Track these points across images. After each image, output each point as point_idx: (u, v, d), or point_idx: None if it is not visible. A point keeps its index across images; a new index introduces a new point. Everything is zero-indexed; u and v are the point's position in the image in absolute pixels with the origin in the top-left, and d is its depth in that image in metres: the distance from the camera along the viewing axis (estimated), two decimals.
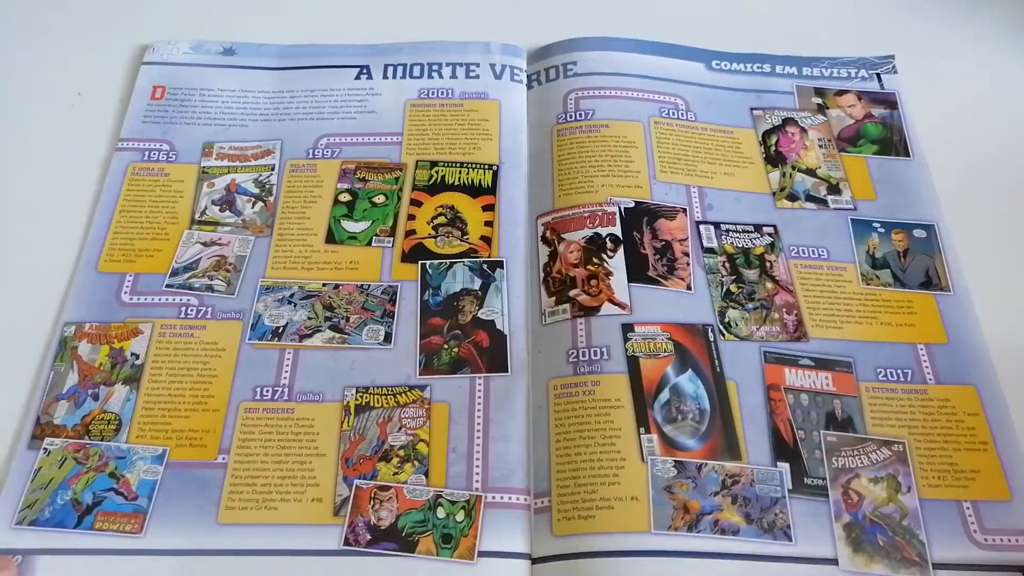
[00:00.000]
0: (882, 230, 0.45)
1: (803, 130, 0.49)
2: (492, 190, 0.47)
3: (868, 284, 0.43)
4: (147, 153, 0.48)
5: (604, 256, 0.43)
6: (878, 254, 0.44)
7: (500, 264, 0.44)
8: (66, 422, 0.39)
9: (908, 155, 0.48)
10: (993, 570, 0.35)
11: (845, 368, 0.40)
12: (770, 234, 0.45)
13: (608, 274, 0.43)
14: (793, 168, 0.48)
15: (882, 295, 0.43)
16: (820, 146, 0.49)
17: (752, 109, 0.50)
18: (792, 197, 0.47)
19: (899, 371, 0.40)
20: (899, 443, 0.38)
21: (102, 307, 0.42)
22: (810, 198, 0.46)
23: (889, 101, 0.50)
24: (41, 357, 0.41)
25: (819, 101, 0.51)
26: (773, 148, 0.48)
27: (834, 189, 0.47)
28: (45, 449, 0.38)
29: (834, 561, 0.35)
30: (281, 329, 0.42)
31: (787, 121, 0.50)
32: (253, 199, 0.46)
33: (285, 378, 0.40)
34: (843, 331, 0.42)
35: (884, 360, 0.41)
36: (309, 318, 0.42)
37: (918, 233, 0.45)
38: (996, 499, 0.37)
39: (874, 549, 0.35)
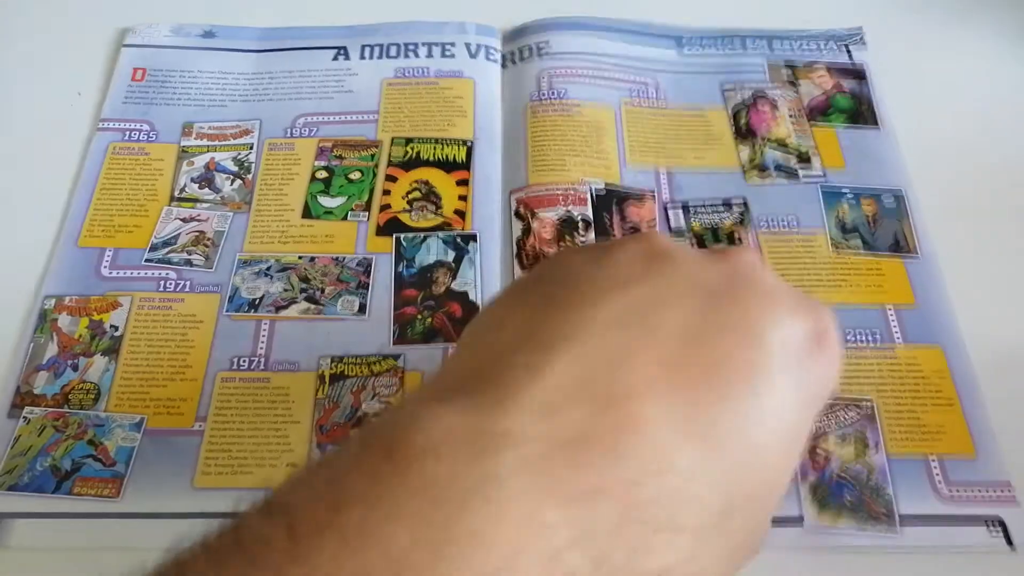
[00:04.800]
0: (852, 197, 0.46)
1: (773, 104, 0.50)
2: (466, 165, 0.47)
3: (838, 250, 0.44)
4: (128, 133, 0.48)
5: (576, 236, 0.44)
6: (848, 221, 0.45)
7: (473, 237, 0.45)
8: (46, 392, 0.39)
9: (877, 125, 0.49)
10: (957, 522, 0.35)
11: None
12: (740, 209, 0.45)
13: None
14: (764, 141, 0.48)
15: (852, 260, 0.43)
16: (791, 118, 0.49)
17: (723, 87, 0.51)
18: (762, 169, 0.47)
19: (868, 332, 0.41)
20: (867, 402, 0.39)
21: (82, 281, 0.43)
22: (780, 169, 0.47)
23: (858, 73, 0.51)
24: (21, 329, 0.41)
25: (789, 75, 0.51)
26: (744, 124, 0.49)
27: (804, 159, 0.47)
28: (25, 418, 0.39)
29: (799, 520, 0.36)
30: (258, 301, 0.42)
31: (757, 96, 0.50)
32: (232, 177, 0.47)
33: (262, 348, 0.41)
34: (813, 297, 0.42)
35: (854, 322, 0.41)
36: (285, 290, 0.43)
37: (887, 200, 0.45)
38: (961, 455, 0.37)
39: (840, 506, 0.36)
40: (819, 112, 0.49)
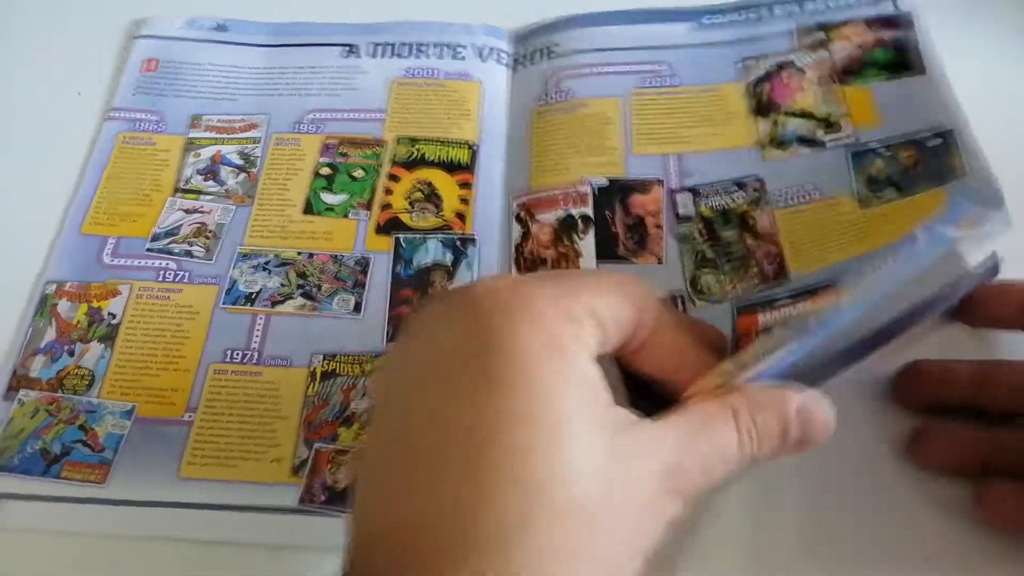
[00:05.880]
0: (887, 153, 0.43)
1: (799, 71, 0.47)
2: (470, 168, 0.47)
3: (866, 207, 0.42)
4: (136, 123, 0.49)
5: (575, 237, 0.44)
6: (881, 176, 0.43)
7: (472, 241, 0.44)
8: (41, 375, 0.40)
9: (923, 73, 0.46)
10: None
11: (827, 288, 0.38)
12: (755, 188, 0.44)
13: (578, 255, 0.43)
14: (784, 114, 0.46)
15: (884, 210, 0.41)
16: (819, 84, 0.47)
17: (743, 59, 0.49)
18: (781, 143, 0.45)
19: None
20: None
21: (84, 268, 0.43)
22: (803, 141, 0.45)
23: (904, 22, 0.48)
24: (22, 313, 0.42)
25: (822, 36, 0.48)
26: (764, 97, 0.47)
27: (832, 126, 0.45)
28: (19, 400, 0.39)
29: None
30: (255, 295, 0.43)
31: (781, 66, 0.48)
32: (237, 170, 0.47)
33: (255, 342, 0.41)
34: (828, 259, 0.40)
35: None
36: (282, 285, 0.43)
37: (930, 142, 0.43)
38: None
39: None
40: (852, 72, 0.47)
